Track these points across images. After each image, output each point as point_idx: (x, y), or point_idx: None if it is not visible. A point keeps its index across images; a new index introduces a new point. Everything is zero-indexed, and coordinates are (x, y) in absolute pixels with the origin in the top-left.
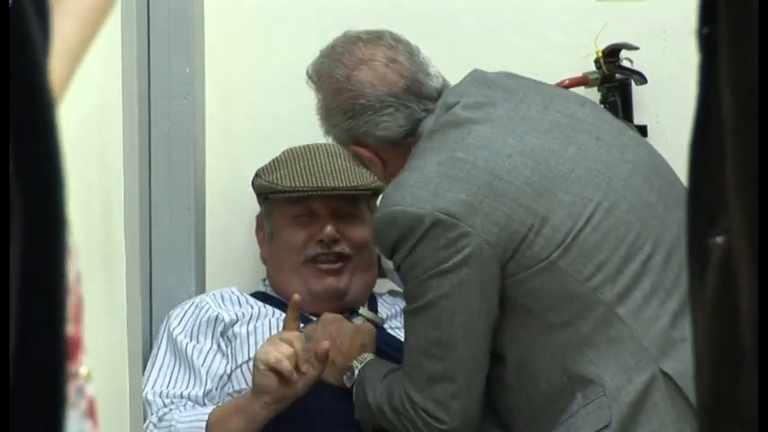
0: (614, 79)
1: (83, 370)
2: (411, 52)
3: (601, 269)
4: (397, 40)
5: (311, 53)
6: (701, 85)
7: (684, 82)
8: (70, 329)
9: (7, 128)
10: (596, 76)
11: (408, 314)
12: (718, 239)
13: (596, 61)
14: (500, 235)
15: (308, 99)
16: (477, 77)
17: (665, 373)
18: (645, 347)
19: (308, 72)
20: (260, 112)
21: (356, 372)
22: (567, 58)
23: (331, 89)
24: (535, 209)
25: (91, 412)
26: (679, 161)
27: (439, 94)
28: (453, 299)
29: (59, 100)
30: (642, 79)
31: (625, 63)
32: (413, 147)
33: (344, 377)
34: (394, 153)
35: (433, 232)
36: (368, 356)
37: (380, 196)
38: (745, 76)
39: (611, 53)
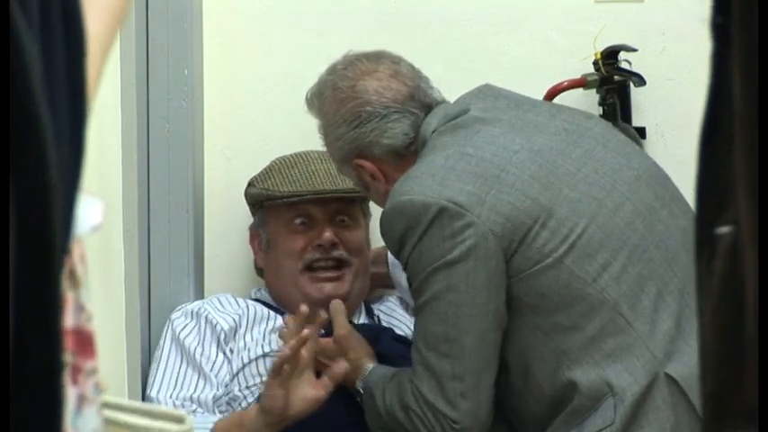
0: (613, 81)
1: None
2: (412, 67)
3: (606, 269)
4: (398, 58)
5: (311, 54)
6: (714, 74)
7: (683, 83)
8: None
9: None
10: (595, 77)
11: (416, 311)
12: (726, 229)
13: (595, 63)
14: (505, 225)
15: None
16: (483, 90)
17: (669, 377)
18: (650, 350)
19: (307, 97)
20: (259, 114)
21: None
22: (566, 59)
23: (335, 101)
24: (541, 201)
25: None
26: (678, 162)
27: (440, 104)
28: (459, 291)
29: (92, 101)
30: (641, 81)
31: (623, 65)
32: (418, 152)
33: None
34: (397, 165)
35: (440, 221)
36: (369, 366)
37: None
38: (757, 67)
39: (610, 55)
